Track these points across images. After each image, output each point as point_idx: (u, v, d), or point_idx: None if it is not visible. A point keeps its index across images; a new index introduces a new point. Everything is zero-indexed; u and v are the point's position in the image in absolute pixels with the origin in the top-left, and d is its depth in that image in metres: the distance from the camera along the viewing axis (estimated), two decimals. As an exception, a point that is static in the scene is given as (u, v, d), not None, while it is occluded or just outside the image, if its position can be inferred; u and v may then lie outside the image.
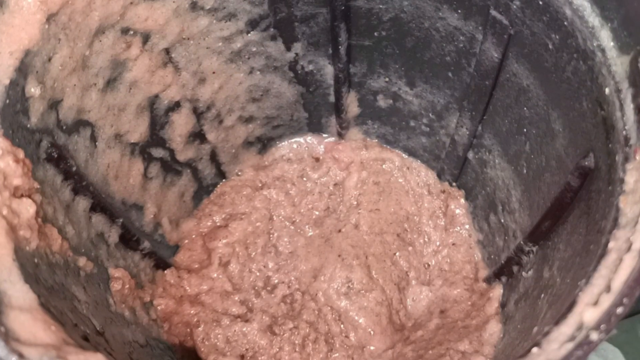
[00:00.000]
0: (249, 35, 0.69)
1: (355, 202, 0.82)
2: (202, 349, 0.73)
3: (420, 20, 0.64)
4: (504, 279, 0.70)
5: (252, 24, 0.68)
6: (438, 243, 0.79)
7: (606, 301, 0.38)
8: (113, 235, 0.64)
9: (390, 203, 0.81)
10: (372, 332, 0.75)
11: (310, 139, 0.84)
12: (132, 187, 0.68)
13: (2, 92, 0.48)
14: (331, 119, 0.81)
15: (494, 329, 0.68)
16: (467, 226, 0.78)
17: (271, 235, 0.81)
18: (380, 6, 0.65)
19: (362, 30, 0.68)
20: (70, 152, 0.57)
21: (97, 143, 0.61)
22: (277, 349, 0.74)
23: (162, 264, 0.74)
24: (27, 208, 0.48)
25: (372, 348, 0.74)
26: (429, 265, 0.78)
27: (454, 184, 0.79)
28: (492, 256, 0.73)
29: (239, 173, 0.83)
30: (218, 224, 0.80)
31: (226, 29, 0.67)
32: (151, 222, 0.72)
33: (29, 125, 0.52)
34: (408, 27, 0.66)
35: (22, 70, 0.50)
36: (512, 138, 0.64)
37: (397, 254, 0.79)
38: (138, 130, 0.66)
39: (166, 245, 0.75)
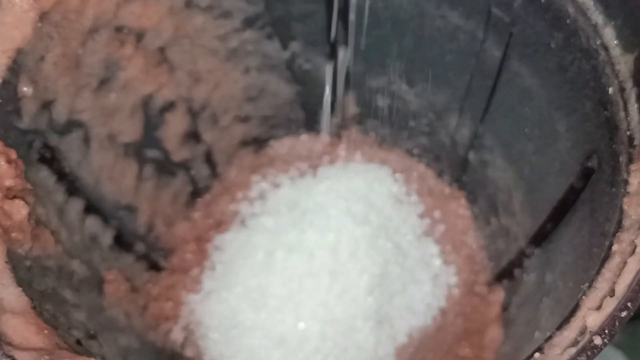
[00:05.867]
0: (245, 33, 0.68)
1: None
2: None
3: (420, 18, 0.63)
4: (505, 282, 0.69)
5: (248, 23, 0.68)
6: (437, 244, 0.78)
7: (610, 305, 0.38)
8: (107, 238, 0.64)
9: (389, 203, 0.81)
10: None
11: (307, 138, 0.84)
12: (126, 189, 0.67)
13: (-6, 91, 0.48)
14: (329, 119, 0.81)
15: (495, 333, 0.67)
16: (467, 228, 0.77)
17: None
18: (380, 4, 0.64)
19: (360, 28, 0.68)
20: (63, 153, 0.57)
21: (90, 144, 0.61)
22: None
23: (156, 266, 0.73)
24: (19, 210, 0.47)
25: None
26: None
27: (454, 184, 0.78)
28: (493, 259, 0.73)
29: (235, 173, 0.82)
30: (213, 225, 0.79)
31: (222, 28, 0.67)
32: (145, 223, 0.72)
33: (21, 126, 0.51)
34: (408, 25, 0.65)
35: (15, 69, 0.49)
36: (514, 139, 0.64)
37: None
38: (132, 131, 0.65)
39: (161, 247, 0.75)
